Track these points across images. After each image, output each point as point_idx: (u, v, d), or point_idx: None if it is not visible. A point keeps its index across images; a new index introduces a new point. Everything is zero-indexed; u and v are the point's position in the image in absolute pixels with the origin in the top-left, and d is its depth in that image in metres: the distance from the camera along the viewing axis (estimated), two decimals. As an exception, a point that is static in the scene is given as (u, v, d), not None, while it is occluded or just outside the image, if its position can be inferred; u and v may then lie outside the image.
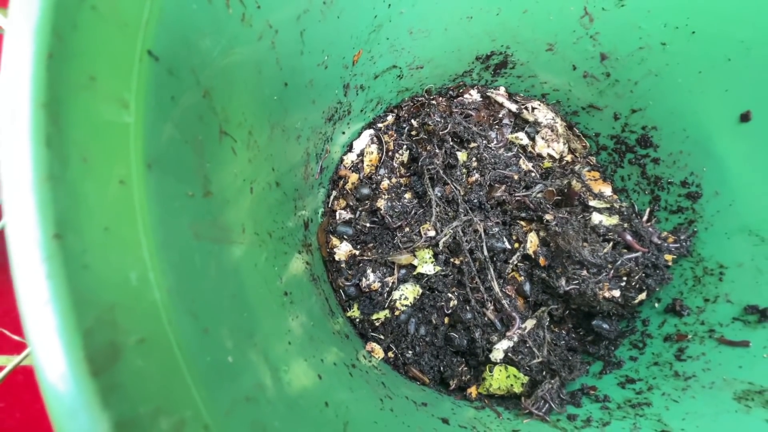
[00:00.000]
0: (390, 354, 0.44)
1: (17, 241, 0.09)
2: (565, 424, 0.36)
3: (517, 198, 0.46)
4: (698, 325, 0.36)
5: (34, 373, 0.31)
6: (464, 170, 0.47)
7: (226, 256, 0.18)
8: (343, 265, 0.46)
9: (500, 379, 0.41)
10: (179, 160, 0.16)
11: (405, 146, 0.51)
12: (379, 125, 0.52)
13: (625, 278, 0.41)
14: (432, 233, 0.45)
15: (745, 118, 0.34)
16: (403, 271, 0.46)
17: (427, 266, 0.45)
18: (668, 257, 0.41)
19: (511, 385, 0.41)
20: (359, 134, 0.51)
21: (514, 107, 0.51)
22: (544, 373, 0.41)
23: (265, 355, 0.17)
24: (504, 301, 0.43)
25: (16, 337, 0.28)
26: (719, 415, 0.28)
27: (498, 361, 0.41)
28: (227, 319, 0.15)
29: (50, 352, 0.09)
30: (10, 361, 0.25)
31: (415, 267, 0.45)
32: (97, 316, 0.09)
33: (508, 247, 0.45)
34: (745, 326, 0.32)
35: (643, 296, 0.41)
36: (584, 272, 0.41)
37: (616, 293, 0.41)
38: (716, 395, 0.30)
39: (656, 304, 0.42)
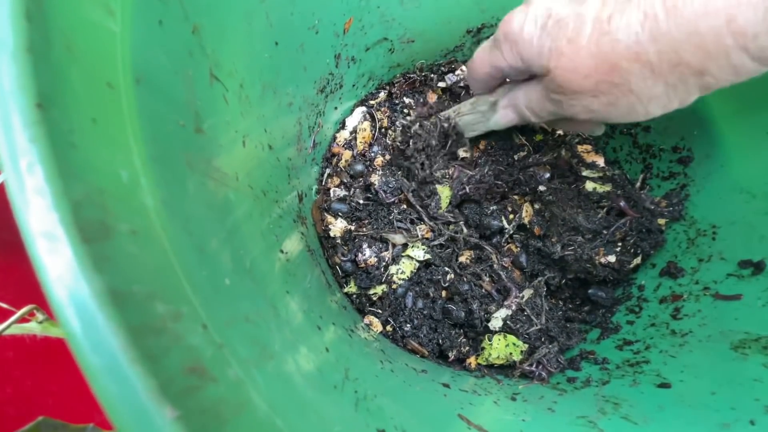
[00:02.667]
0: (388, 328, 0.44)
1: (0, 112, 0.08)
2: (564, 386, 0.36)
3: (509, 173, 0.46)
4: (693, 285, 0.36)
5: (24, 349, 0.30)
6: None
7: (221, 195, 0.18)
8: (338, 242, 0.46)
9: (499, 347, 0.41)
10: (169, 87, 0.15)
11: (399, 123, 0.50)
12: (371, 102, 0.51)
13: (620, 243, 0.42)
14: (429, 235, 0.45)
15: (733, 76, 0.35)
16: (398, 247, 0.46)
17: (417, 251, 0.45)
18: (661, 221, 0.42)
19: (511, 353, 0.41)
20: (351, 111, 0.50)
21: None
22: (543, 339, 0.41)
23: (263, 292, 0.16)
24: (501, 273, 0.43)
25: (2, 305, 0.27)
26: (717, 365, 0.29)
27: (497, 329, 0.41)
28: (224, 247, 0.14)
29: (40, 216, 0.08)
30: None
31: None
32: (86, 193, 0.09)
33: (506, 226, 0.45)
34: (740, 280, 0.33)
35: (637, 260, 0.42)
36: (579, 238, 0.42)
37: (612, 258, 0.41)
38: (713, 347, 0.30)
39: (651, 269, 0.42)
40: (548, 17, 0.26)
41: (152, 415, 0.08)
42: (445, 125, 0.43)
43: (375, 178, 0.46)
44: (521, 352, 0.41)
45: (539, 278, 0.44)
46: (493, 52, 0.31)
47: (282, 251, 0.26)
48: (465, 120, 0.42)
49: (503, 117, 0.37)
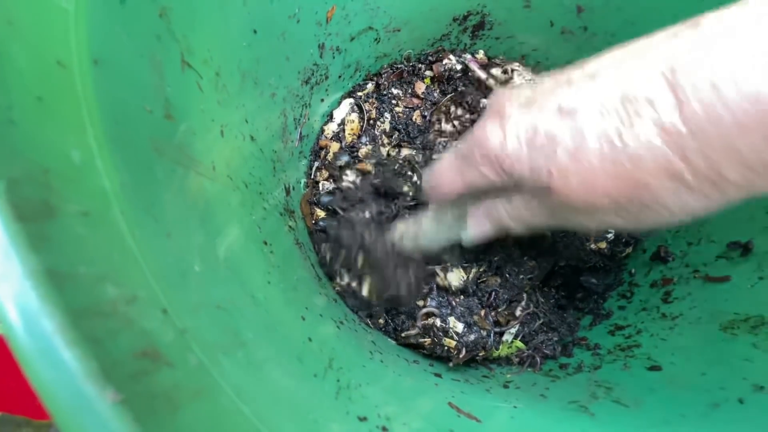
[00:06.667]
0: (380, 320, 0.43)
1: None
2: (557, 372, 0.36)
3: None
4: (683, 268, 0.36)
5: None
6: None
7: (195, 183, 0.17)
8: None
9: (502, 349, 0.41)
10: (133, 71, 0.15)
11: (387, 113, 0.50)
12: (359, 94, 0.51)
13: (611, 230, 0.42)
14: None
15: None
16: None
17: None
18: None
19: (512, 352, 0.41)
20: (339, 103, 0.50)
21: (483, 75, 0.50)
22: (544, 329, 0.41)
23: (240, 281, 0.16)
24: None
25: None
26: (706, 346, 0.29)
27: (509, 341, 0.41)
28: (194, 234, 0.14)
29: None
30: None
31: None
32: (26, 172, 0.08)
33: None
34: (729, 262, 0.33)
35: (629, 250, 0.42)
36: (570, 225, 0.41)
37: (603, 244, 0.41)
38: (703, 329, 0.30)
39: (642, 254, 0.42)
40: (534, 133, 0.21)
41: (91, 399, 0.07)
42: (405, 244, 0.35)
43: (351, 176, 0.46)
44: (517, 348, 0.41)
45: (534, 269, 0.44)
46: (468, 172, 0.26)
47: (266, 243, 0.25)
48: (429, 238, 0.34)
49: (477, 229, 0.30)
